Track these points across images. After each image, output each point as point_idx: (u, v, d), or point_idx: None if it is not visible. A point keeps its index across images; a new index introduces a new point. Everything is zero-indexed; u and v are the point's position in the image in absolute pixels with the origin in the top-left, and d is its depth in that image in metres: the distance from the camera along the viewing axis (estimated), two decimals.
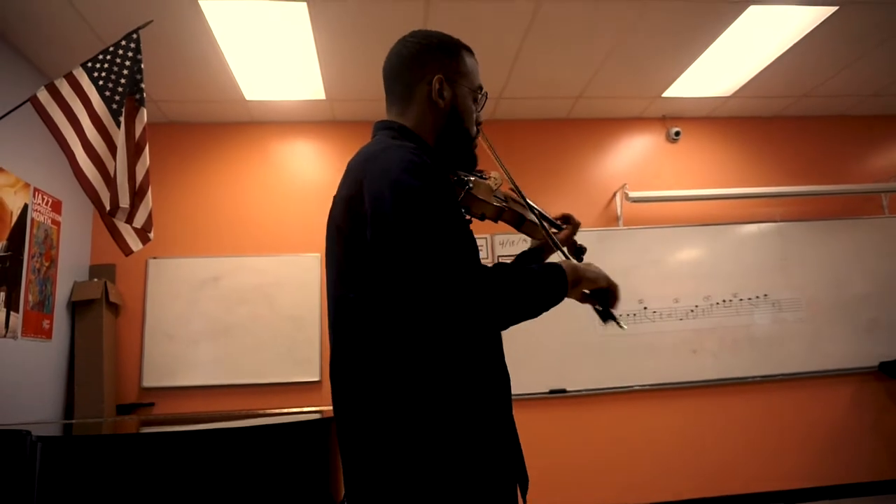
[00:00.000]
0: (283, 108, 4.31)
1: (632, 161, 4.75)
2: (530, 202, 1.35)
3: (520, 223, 1.33)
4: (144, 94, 2.69)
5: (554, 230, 1.42)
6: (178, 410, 4.02)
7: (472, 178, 1.22)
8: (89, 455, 1.72)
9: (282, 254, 4.30)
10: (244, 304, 4.20)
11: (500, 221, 1.30)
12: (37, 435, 1.73)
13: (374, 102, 4.15)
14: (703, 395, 4.35)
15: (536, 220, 1.33)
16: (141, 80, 2.69)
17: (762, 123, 4.90)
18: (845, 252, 4.67)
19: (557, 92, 4.31)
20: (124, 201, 2.52)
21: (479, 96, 1.28)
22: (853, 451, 4.38)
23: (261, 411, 2.94)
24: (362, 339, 1.05)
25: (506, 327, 1.06)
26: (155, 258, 4.17)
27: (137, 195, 2.59)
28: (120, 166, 2.55)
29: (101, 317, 3.85)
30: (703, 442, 4.28)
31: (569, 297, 1.14)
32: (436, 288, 0.95)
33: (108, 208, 2.53)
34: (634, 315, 4.43)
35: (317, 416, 2.71)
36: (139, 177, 2.60)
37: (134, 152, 2.60)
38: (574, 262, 1.19)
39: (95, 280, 3.97)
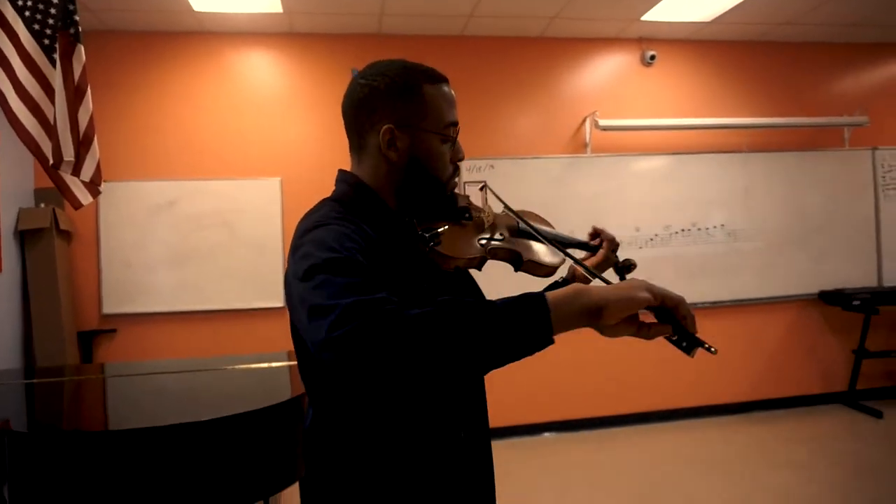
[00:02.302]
0: (235, 20, 3.96)
1: (603, 85, 4.59)
2: (543, 228, 1.21)
3: (517, 262, 1.18)
4: (80, 29, 2.41)
5: (584, 253, 1.30)
6: (140, 337, 4.02)
7: (442, 230, 1.07)
8: (56, 447, 1.73)
9: (240, 177, 4.14)
10: (203, 230, 4.09)
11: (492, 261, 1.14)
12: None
13: (335, 16, 3.83)
14: None
15: (540, 257, 1.19)
16: (74, 12, 2.41)
17: (738, 48, 4.75)
18: (805, 184, 4.75)
19: (532, 11, 4.05)
20: (68, 154, 2.34)
21: (452, 133, 1.09)
22: (791, 369, 4.76)
23: (230, 358, 2.96)
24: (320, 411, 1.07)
25: (429, 380, 0.77)
26: (106, 181, 3.94)
27: (82, 145, 2.40)
28: (59, 114, 2.34)
29: (52, 246, 3.70)
30: (655, 360, 4.52)
31: (591, 327, 0.82)
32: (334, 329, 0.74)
33: (51, 161, 2.35)
34: None
35: (285, 367, 2.75)
36: (83, 124, 2.40)
37: (74, 97, 2.38)
38: (594, 283, 0.92)
39: (42, 206, 3.77)
